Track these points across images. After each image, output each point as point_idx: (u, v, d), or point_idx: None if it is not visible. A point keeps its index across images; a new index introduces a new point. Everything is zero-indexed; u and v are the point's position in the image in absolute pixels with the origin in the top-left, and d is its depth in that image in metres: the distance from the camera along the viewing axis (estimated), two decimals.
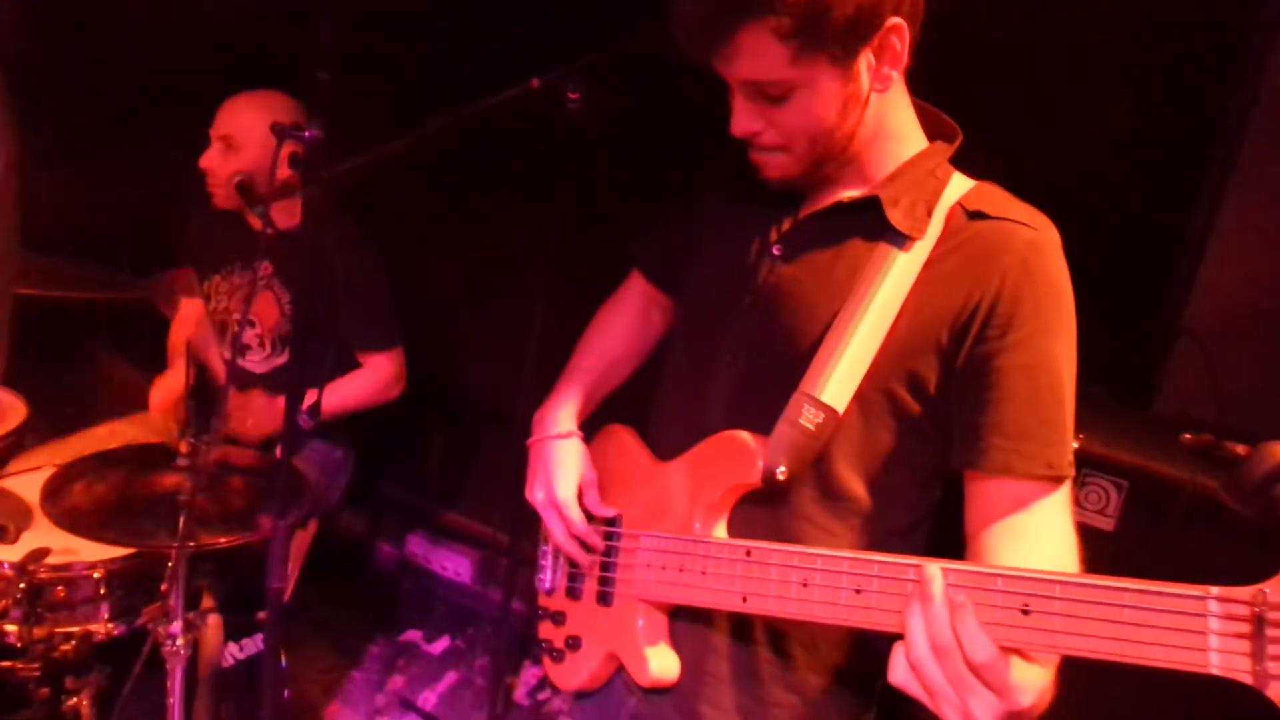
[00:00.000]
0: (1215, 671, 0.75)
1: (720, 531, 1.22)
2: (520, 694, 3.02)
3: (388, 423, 2.80)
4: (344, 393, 2.55)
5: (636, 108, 1.95)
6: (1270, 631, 0.72)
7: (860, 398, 1.16)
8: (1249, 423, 1.98)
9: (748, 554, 1.11)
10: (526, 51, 1.64)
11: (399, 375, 2.63)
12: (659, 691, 1.29)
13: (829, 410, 1.15)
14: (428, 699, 2.99)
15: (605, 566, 1.35)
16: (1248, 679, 0.73)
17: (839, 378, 1.15)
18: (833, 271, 1.20)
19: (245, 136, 2.36)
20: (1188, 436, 1.77)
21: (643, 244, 1.58)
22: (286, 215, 2.42)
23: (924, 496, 1.25)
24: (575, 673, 1.39)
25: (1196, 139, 2.07)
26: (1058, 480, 1.11)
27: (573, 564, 1.41)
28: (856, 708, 1.28)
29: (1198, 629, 0.76)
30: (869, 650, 1.22)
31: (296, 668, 2.92)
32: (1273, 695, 0.70)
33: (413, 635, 3.29)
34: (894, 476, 1.21)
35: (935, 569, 0.90)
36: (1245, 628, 0.73)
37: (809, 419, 1.15)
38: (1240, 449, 1.73)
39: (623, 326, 1.59)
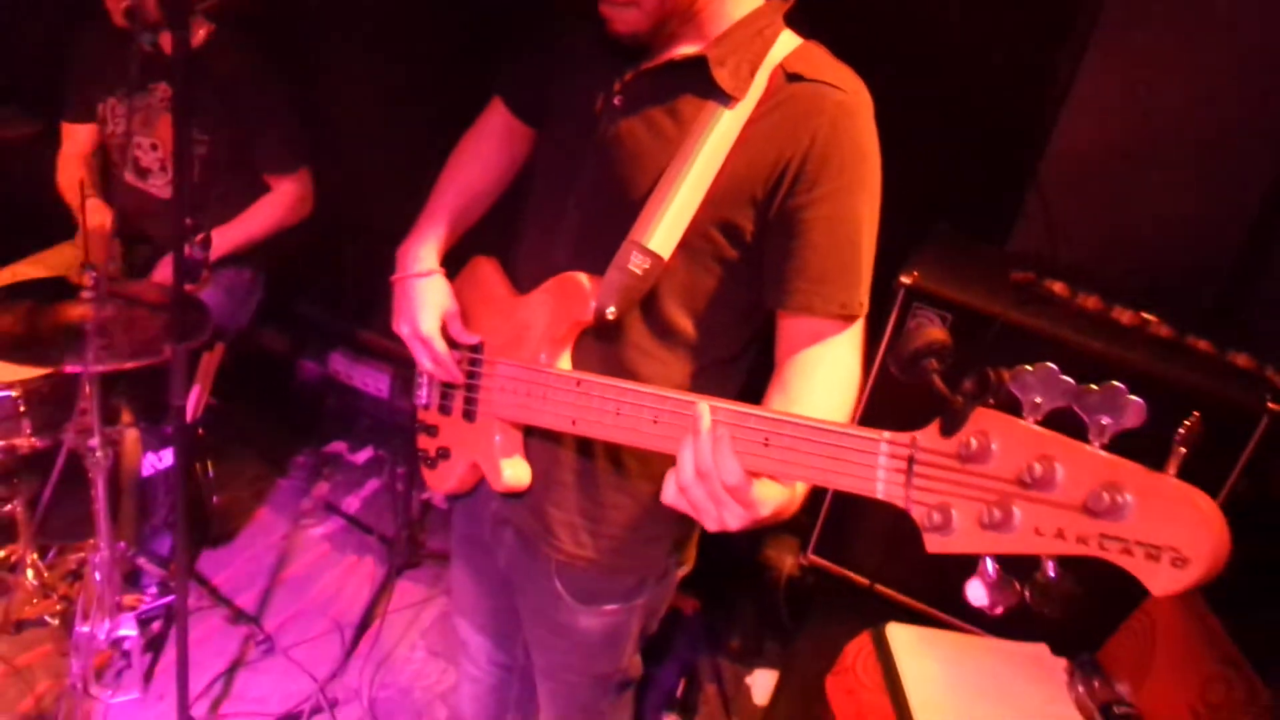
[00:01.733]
0: (880, 496, 0.94)
1: (564, 362, 1.38)
2: (439, 499, 3.26)
3: (304, 247, 2.89)
4: (253, 219, 2.62)
5: None
6: (916, 469, 0.90)
7: (684, 245, 1.29)
8: (1083, 263, 2.18)
9: (578, 384, 1.27)
10: None
11: (305, 196, 2.70)
12: (514, 496, 1.48)
13: (655, 257, 1.27)
14: (351, 504, 3.24)
15: (470, 388, 1.51)
16: (900, 503, 0.92)
17: (665, 227, 1.27)
18: (664, 126, 1.29)
19: None
20: (1016, 275, 1.95)
21: (505, 73, 1.61)
22: None
23: (744, 330, 1.40)
24: (446, 478, 1.58)
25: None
26: (850, 319, 1.27)
27: (444, 384, 1.56)
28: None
29: (871, 464, 0.94)
30: None
31: (225, 476, 3.12)
32: (914, 513, 0.90)
33: (337, 446, 3.51)
34: (717, 313, 1.36)
35: (704, 406, 1.07)
36: (903, 464, 0.91)
37: (637, 264, 1.28)
38: (1057, 287, 1.93)
39: (484, 158, 1.64)
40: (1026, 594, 0.79)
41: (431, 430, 1.60)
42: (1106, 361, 1.79)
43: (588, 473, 1.45)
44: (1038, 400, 0.79)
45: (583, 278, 1.34)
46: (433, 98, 1.72)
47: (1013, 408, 0.80)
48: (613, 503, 1.45)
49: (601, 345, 1.38)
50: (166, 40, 2.23)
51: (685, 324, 1.36)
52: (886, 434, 0.94)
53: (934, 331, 0.86)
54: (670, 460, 1.10)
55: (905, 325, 1.90)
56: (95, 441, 2.07)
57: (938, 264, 2.00)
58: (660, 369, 1.37)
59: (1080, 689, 1.84)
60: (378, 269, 1.59)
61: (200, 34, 2.42)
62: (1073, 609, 0.74)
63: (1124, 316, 1.90)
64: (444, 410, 1.58)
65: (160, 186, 2.61)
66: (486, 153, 1.64)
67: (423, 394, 1.63)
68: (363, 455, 3.49)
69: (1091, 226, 2.17)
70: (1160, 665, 1.74)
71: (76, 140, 2.71)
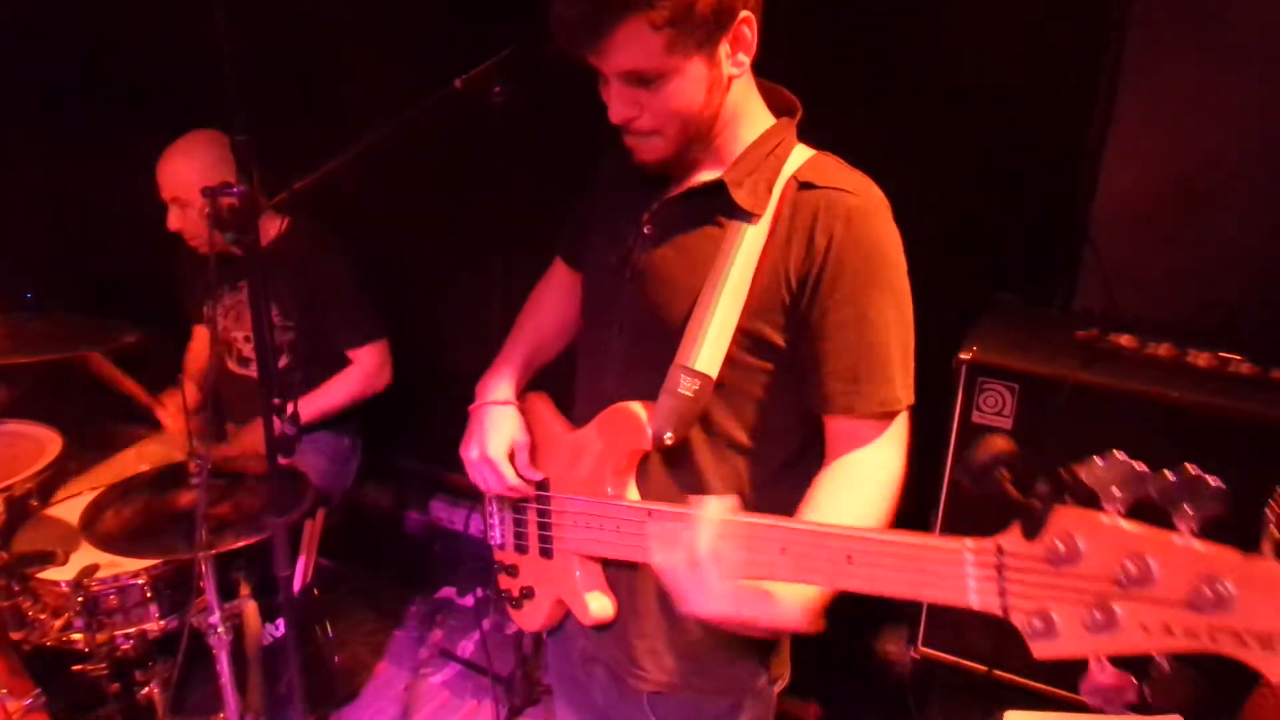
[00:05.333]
0: (976, 607, 0.92)
1: (631, 492, 1.41)
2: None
3: (395, 404, 3.03)
4: (331, 391, 2.79)
5: (553, 96, 2.11)
6: (1007, 574, 0.88)
7: (730, 360, 1.33)
8: (1152, 311, 2.15)
9: (649, 514, 1.31)
10: (449, 51, 1.79)
11: (380, 367, 2.85)
12: (601, 629, 1.50)
13: (704, 377, 1.32)
14: (465, 647, 3.28)
15: (543, 525, 1.55)
16: (998, 612, 0.90)
17: (708, 347, 1.31)
18: (694, 250, 1.36)
19: (189, 194, 2.54)
20: (1080, 334, 1.93)
21: (561, 231, 1.72)
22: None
23: (801, 431, 1.41)
24: (533, 617, 1.61)
25: (1084, 46, 2.18)
26: (891, 415, 1.30)
27: (517, 521, 1.60)
28: (768, 635, 1.47)
29: (959, 574, 0.93)
30: None
31: (345, 634, 3.21)
32: (1014, 621, 0.88)
33: (447, 591, 3.57)
34: (771, 419, 1.38)
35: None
36: (992, 572, 0.90)
37: (687, 388, 1.32)
38: (1124, 340, 1.89)
39: (550, 306, 1.74)
40: (1146, 692, 0.77)
41: (511, 570, 1.64)
42: (1185, 408, 1.72)
43: (668, 602, 1.45)
44: (1117, 492, 0.78)
45: (636, 407, 1.38)
46: (500, 256, 1.85)
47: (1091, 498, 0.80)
48: (692, 625, 1.45)
49: (664, 467, 1.42)
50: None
51: (741, 435, 1.39)
52: (969, 542, 0.93)
53: (999, 441, 0.87)
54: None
55: (974, 401, 1.88)
56: (215, 618, 2.18)
57: (998, 335, 1.99)
58: (721, 485, 1.40)
59: None
60: (463, 415, 1.67)
61: (273, 229, 2.64)
62: (1198, 702, 0.72)
63: (1200, 360, 1.84)
64: (520, 549, 1.62)
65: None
66: (553, 302, 1.75)
67: (496, 534, 1.66)
68: (471, 598, 3.55)
69: (1153, 273, 2.13)
70: None
71: (198, 340, 3.07)
